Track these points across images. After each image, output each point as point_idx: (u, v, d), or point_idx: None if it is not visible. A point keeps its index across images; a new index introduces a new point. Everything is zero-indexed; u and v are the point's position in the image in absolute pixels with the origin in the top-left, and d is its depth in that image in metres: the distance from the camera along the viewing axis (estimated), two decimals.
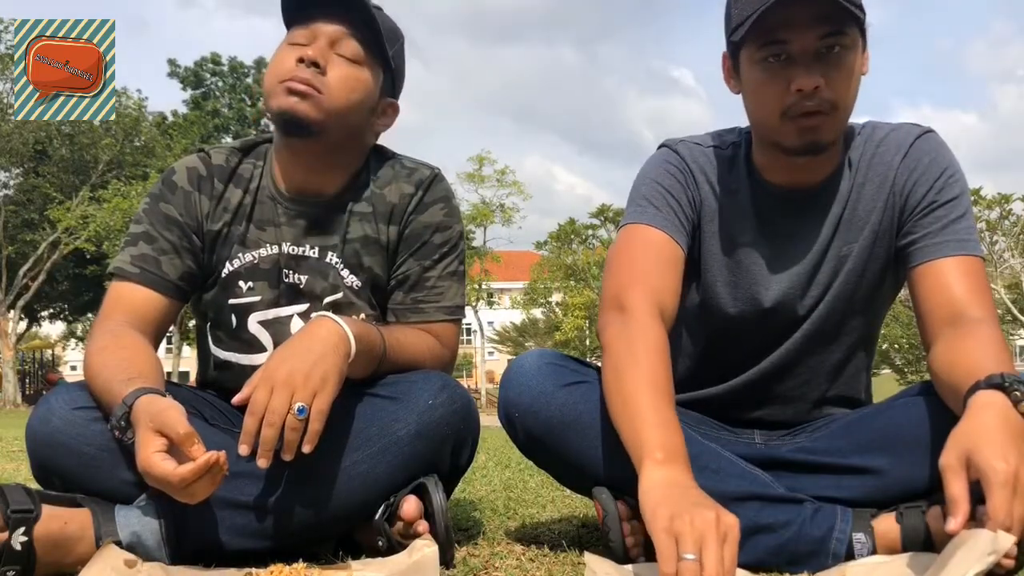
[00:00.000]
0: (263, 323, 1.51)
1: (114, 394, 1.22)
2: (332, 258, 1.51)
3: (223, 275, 1.51)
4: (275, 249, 1.51)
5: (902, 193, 1.40)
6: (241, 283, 1.51)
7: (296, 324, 1.50)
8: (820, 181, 1.42)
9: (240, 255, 1.51)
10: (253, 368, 1.50)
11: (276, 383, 1.21)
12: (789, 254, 1.44)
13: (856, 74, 1.33)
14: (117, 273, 1.47)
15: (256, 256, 1.51)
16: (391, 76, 1.53)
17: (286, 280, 1.51)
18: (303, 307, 1.51)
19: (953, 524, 0.98)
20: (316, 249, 1.51)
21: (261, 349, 1.51)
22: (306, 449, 1.20)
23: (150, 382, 1.24)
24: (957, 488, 0.99)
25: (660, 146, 1.52)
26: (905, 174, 1.40)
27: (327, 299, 1.50)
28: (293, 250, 1.51)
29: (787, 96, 1.30)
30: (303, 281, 1.51)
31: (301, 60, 1.40)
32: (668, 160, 1.47)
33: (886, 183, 1.41)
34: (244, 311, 1.51)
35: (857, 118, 1.47)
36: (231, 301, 1.51)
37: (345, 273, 1.51)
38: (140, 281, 1.45)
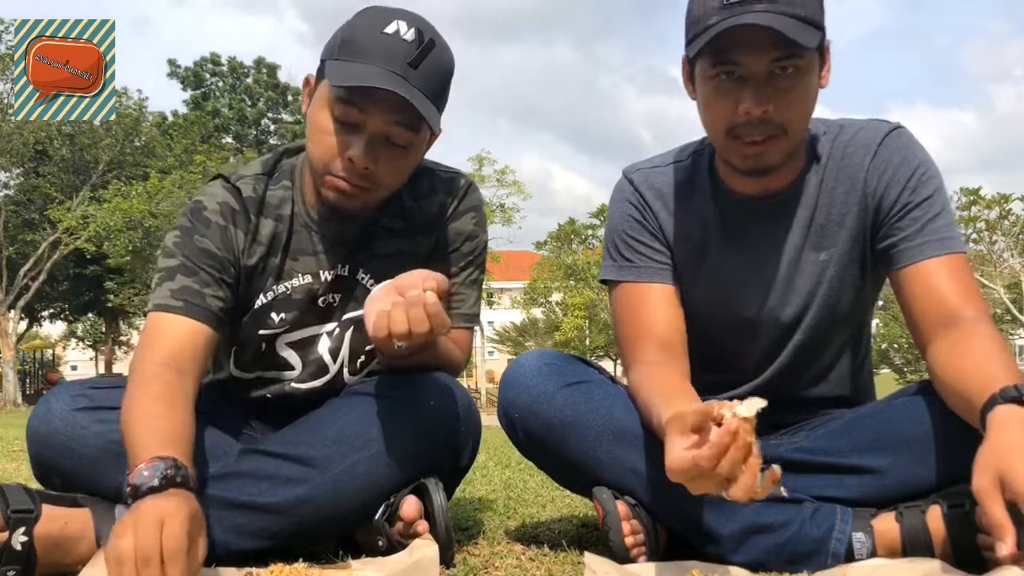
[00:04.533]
0: (291, 344, 1.49)
1: (140, 459, 1.10)
2: (362, 275, 1.48)
3: (255, 307, 1.46)
4: (309, 279, 1.46)
5: (875, 195, 1.38)
6: (273, 315, 1.46)
7: (323, 343, 1.49)
8: (783, 187, 1.41)
9: (273, 288, 1.46)
10: (277, 381, 1.49)
11: None
12: (760, 260, 1.43)
13: (812, 93, 1.31)
14: (159, 308, 1.36)
15: (289, 287, 1.46)
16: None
17: (320, 305, 1.48)
18: (332, 325, 1.49)
19: (1005, 550, 0.94)
20: (347, 268, 1.48)
21: (288, 368, 1.50)
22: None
23: (178, 455, 1.12)
24: (998, 512, 0.96)
25: (622, 175, 1.53)
26: (876, 175, 1.38)
27: (350, 314, 1.48)
28: (329, 275, 1.47)
29: (734, 115, 1.28)
30: (336, 300, 1.49)
31: (351, 160, 1.32)
32: (625, 197, 1.50)
33: (857, 185, 1.39)
34: (273, 338, 1.48)
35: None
36: (261, 332, 1.47)
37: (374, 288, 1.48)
38: (185, 313, 1.35)
